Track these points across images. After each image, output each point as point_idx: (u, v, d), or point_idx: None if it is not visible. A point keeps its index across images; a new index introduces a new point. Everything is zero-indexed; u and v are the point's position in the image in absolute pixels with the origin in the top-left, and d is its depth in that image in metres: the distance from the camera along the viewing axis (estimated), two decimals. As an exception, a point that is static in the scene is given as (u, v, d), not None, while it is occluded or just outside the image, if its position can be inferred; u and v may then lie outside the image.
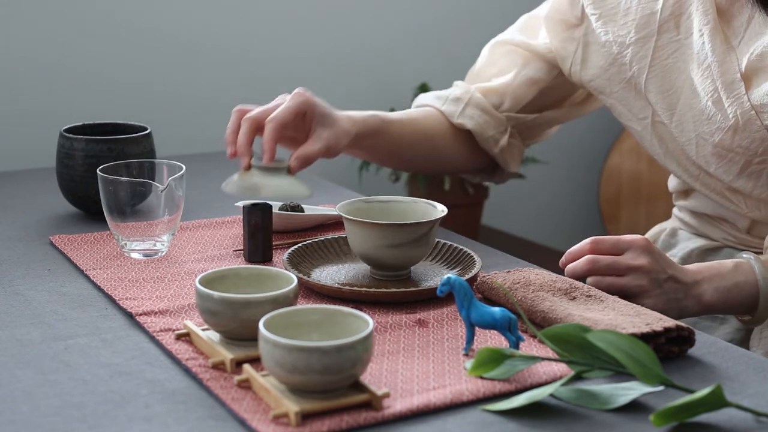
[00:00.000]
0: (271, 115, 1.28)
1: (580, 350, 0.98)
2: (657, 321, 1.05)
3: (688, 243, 1.46)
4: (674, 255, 1.46)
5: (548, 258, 2.68)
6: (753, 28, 1.28)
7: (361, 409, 0.92)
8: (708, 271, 1.21)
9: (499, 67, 1.55)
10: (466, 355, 1.04)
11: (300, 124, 1.33)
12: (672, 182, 1.49)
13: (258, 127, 1.28)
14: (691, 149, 1.33)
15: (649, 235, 1.55)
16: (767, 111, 1.25)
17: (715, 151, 1.30)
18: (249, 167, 1.26)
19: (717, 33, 1.29)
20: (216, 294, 1.02)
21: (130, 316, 1.14)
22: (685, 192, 1.46)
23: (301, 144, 1.32)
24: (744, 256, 1.24)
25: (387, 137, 1.45)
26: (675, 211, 1.52)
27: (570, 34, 1.46)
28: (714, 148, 1.30)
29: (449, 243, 1.32)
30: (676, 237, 1.50)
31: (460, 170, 1.61)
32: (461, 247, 1.31)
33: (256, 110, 1.29)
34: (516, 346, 1.03)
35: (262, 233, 1.30)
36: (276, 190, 1.26)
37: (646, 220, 2.86)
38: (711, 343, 1.09)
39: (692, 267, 1.22)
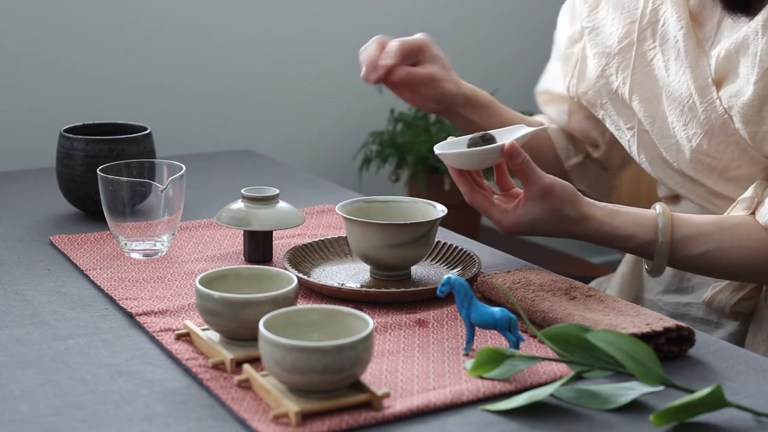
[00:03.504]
0: (397, 39, 1.37)
1: (580, 350, 0.98)
2: (657, 321, 1.05)
3: None
4: None
5: (548, 258, 2.68)
6: (722, 32, 1.28)
7: (361, 409, 0.92)
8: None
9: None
10: (466, 355, 1.04)
11: (413, 61, 1.38)
12: (661, 190, 1.49)
13: (383, 47, 1.36)
14: (671, 156, 1.33)
15: None
16: (736, 113, 1.24)
17: (693, 157, 1.30)
18: (378, 81, 1.35)
19: (690, 38, 1.29)
20: (216, 294, 1.02)
21: (130, 316, 1.14)
22: (674, 198, 1.46)
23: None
24: (657, 208, 1.23)
25: (496, 116, 1.47)
26: None
27: (572, 50, 1.47)
28: (692, 153, 1.29)
29: (449, 243, 1.32)
30: None
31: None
32: (461, 247, 1.31)
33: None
34: (516, 346, 1.03)
35: (262, 233, 1.30)
36: (266, 220, 1.27)
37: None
38: (711, 343, 1.09)
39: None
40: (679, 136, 1.31)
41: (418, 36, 1.39)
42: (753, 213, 1.24)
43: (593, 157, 1.56)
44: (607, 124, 1.44)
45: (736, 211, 1.25)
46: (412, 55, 1.37)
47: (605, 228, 1.21)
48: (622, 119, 1.39)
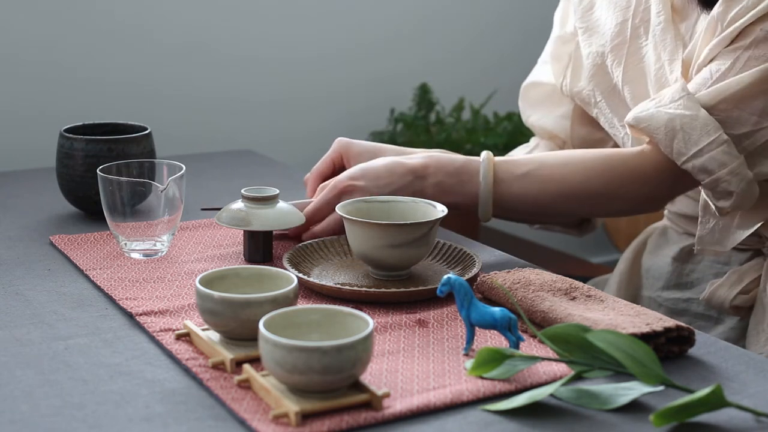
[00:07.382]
0: (312, 168, 1.42)
1: (580, 350, 0.98)
2: (657, 321, 1.05)
3: (678, 242, 1.47)
4: (666, 255, 1.46)
5: (548, 258, 2.68)
6: (699, 25, 1.29)
7: (361, 409, 0.92)
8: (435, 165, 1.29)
9: (541, 113, 1.57)
10: (466, 355, 1.04)
11: (341, 167, 1.41)
12: None
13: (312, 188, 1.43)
14: None
15: (643, 234, 1.55)
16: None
17: None
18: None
19: (668, 31, 1.31)
20: (216, 294, 1.02)
21: (130, 316, 1.14)
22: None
23: None
24: (482, 155, 1.29)
25: None
26: (665, 211, 1.52)
27: (565, 49, 1.48)
28: None
29: (449, 243, 1.33)
30: (666, 236, 1.50)
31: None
32: (461, 247, 1.31)
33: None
34: (516, 346, 1.03)
35: (262, 233, 1.30)
36: (266, 221, 1.27)
37: (645, 218, 2.86)
38: (711, 343, 1.09)
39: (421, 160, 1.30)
40: None
41: (332, 148, 1.40)
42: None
43: None
44: (601, 122, 1.44)
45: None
46: (331, 171, 1.41)
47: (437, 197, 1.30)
48: (617, 117, 1.40)
